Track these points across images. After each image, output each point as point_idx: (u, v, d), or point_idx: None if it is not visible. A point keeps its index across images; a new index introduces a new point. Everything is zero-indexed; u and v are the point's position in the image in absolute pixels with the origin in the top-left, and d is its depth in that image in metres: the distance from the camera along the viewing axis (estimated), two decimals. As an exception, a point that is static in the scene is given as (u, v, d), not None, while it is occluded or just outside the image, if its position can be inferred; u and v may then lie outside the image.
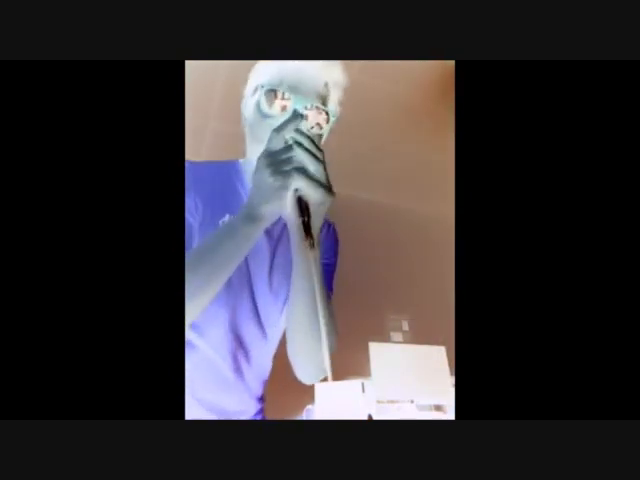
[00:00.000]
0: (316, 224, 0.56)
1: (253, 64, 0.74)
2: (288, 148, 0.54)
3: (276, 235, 0.78)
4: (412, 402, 2.25)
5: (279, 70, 0.66)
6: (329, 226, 0.88)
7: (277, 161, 0.53)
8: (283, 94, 0.64)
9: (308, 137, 0.56)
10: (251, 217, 0.57)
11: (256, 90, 0.68)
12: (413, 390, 2.25)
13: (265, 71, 0.69)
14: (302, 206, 0.54)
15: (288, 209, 0.56)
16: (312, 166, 0.54)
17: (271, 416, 0.87)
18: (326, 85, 0.68)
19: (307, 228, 0.53)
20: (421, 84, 2.22)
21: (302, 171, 0.53)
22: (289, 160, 0.53)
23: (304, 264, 0.63)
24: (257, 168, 0.55)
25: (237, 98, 0.76)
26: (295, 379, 0.78)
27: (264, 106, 0.65)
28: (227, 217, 0.69)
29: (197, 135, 2.44)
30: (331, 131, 0.72)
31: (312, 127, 0.67)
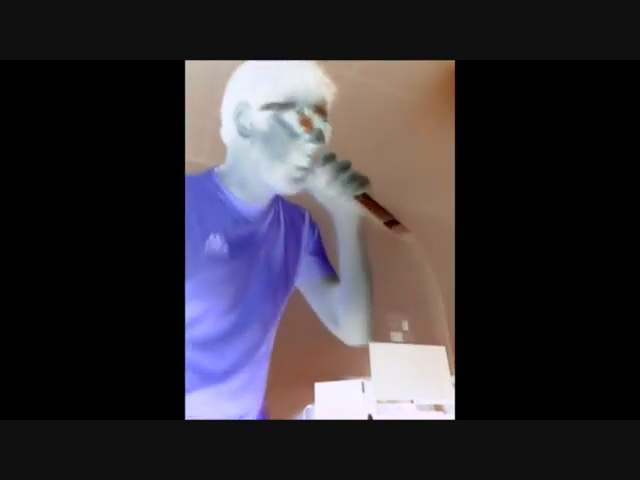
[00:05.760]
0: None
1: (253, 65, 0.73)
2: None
3: (261, 233, 0.79)
4: (412, 402, 2.25)
5: (291, 88, 0.69)
6: (304, 216, 0.91)
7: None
8: (307, 114, 0.69)
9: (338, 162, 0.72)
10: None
11: (269, 107, 0.70)
12: (413, 390, 2.25)
13: (273, 88, 0.70)
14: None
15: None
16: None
17: (271, 416, 0.87)
18: (324, 97, 0.73)
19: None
20: (421, 84, 2.22)
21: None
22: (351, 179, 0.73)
23: (349, 249, 0.79)
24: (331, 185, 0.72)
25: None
26: (295, 379, 0.78)
27: (296, 126, 0.69)
28: (212, 237, 0.71)
29: (198, 135, 2.44)
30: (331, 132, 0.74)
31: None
